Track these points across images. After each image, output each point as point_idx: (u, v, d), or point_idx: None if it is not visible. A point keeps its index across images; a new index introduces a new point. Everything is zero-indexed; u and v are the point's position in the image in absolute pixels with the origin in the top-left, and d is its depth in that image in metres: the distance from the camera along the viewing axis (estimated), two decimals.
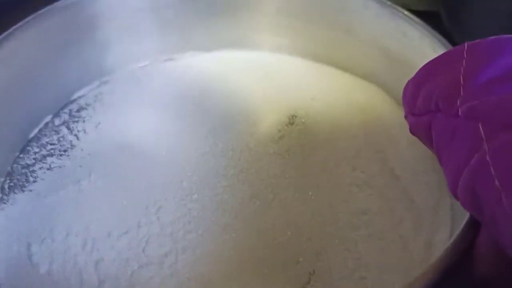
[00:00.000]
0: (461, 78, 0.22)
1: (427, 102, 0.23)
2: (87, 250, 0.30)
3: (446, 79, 0.22)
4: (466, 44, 0.23)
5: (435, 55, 0.33)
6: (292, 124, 0.37)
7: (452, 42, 0.33)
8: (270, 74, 0.40)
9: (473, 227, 0.23)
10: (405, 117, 0.26)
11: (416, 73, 0.25)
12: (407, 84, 0.25)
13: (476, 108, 0.20)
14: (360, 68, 0.39)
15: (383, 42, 0.37)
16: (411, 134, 0.27)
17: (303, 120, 0.37)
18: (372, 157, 0.34)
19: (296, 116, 0.37)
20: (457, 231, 0.22)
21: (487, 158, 0.19)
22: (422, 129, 0.24)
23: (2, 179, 0.33)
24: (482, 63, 0.22)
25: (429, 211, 0.31)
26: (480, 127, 0.20)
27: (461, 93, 0.21)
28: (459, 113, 0.21)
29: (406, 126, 0.36)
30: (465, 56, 0.22)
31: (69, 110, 0.38)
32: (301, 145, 0.35)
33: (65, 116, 0.37)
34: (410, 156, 0.34)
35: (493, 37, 0.23)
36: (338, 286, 0.28)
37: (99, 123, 0.37)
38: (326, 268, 0.29)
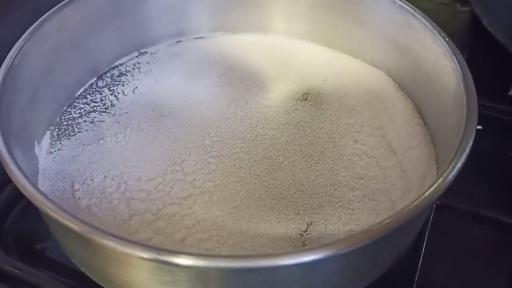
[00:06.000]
0: None
1: None
2: (121, 190, 0.34)
3: None
4: None
5: (435, 46, 0.37)
6: (304, 100, 0.41)
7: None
8: (289, 57, 0.45)
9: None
10: None
11: None
12: None
13: None
14: (368, 56, 0.44)
15: (390, 33, 0.41)
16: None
17: (314, 97, 0.41)
18: (373, 132, 0.39)
19: (308, 94, 0.42)
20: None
21: None
22: None
23: (52, 128, 0.38)
24: None
25: (418, 180, 0.35)
26: None
27: None
28: None
29: (405, 108, 0.41)
30: None
31: (111, 74, 0.43)
32: (311, 118, 0.40)
33: (107, 80, 0.42)
34: (406, 133, 0.38)
35: None
36: (330, 236, 0.32)
37: (136, 87, 0.42)
38: (322, 220, 0.33)
